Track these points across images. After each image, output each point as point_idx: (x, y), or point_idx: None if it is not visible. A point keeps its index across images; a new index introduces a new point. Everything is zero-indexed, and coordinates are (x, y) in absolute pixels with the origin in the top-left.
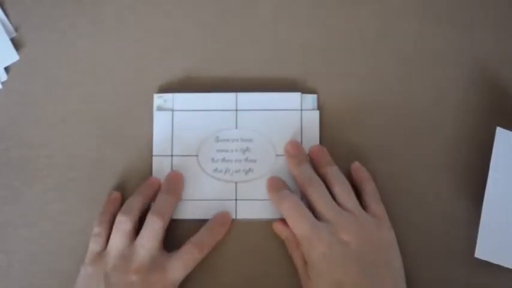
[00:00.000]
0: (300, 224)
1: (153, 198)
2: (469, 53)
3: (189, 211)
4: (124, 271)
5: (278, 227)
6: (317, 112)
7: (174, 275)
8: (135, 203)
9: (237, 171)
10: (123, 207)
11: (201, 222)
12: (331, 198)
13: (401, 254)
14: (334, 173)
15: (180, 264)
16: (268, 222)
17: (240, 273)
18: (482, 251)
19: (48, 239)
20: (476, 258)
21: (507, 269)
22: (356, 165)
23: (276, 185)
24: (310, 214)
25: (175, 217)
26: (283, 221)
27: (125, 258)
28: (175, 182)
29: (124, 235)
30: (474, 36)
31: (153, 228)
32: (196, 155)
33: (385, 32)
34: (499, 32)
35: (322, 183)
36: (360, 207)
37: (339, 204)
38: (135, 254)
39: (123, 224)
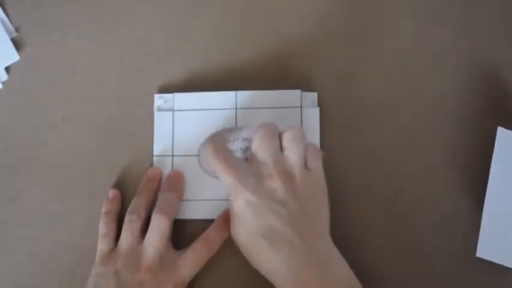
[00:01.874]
0: (227, 175)
1: (157, 191)
2: (469, 53)
3: (190, 211)
4: (134, 270)
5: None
6: (317, 109)
7: (184, 274)
8: (141, 201)
9: None
10: (130, 207)
11: (202, 222)
12: (274, 142)
13: (402, 254)
14: (292, 127)
15: (190, 263)
16: None
17: (240, 273)
18: (484, 251)
19: (48, 239)
20: (478, 258)
21: (508, 268)
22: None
23: (218, 144)
24: (238, 163)
25: (176, 217)
26: None
27: (135, 256)
28: (177, 180)
29: (134, 234)
30: (474, 36)
31: (160, 226)
32: (197, 155)
33: (385, 31)
34: (499, 32)
35: (275, 128)
36: (302, 162)
37: (282, 150)
38: (144, 253)
39: (133, 223)
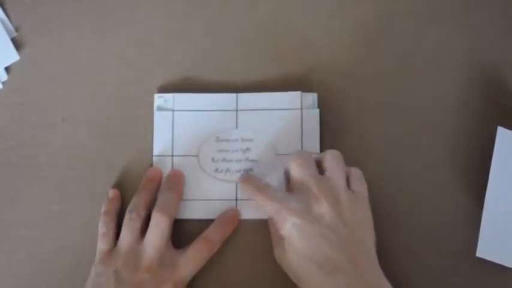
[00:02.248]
0: (267, 200)
1: (157, 190)
2: (469, 53)
3: (189, 211)
4: (134, 269)
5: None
6: (317, 110)
7: (184, 272)
8: (140, 200)
9: (238, 171)
10: (130, 206)
11: (202, 222)
12: (313, 166)
13: (402, 254)
14: (329, 151)
15: (190, 262)
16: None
17: (241, 272)
18: (484, 251)
19: (48, 239)
20: (478, 258)
21: (508, 268)
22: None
23: (247, 176)
24: (277, 191)
25: (176, 217)
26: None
27: (135, 256)
28: (176, 180)
29: (134, 233)
30: (474, 36)
31: (160, 226)
32: (197, 155)
33: (385, 31)
34: (499, 32)
35: (309, 154)
36: (345, 184)
37: (324, 173)
38: (144, 252)
39: (132, 222)
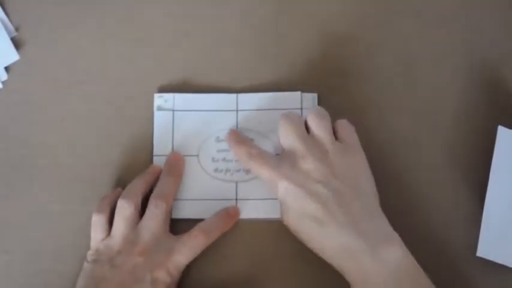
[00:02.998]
0: (263, 170)
1: (154, 183)
2: (469, 53)
3: (189, 211)
4: (129, 253)
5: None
6: None
7: (179, 259)
8: (135, 187)
9: (238, 171)
10: (123, 192)
11: None
12: (300, 126)
13: None
14: (314, 108)
15: (185, 249)
16: (269, 222)
17: (240, 272)
18: (484, 250)
19: (48, 239)
20: (478, 257)
21: (509, 268)
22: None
23: (237, 138)
24: (271, 157)
25: (175, 217)
26: None
27: (130, 241)
28: (176, 163)
29: (126, 220)
30: (474, 36)
31: (156, 210)
32: (197, 155)
33: (385, 31)
34: (499, 32)
35: (297, 114)
36: (331, 137)
37: (309, 132)
38: (139, 236)
39: (125, 209)
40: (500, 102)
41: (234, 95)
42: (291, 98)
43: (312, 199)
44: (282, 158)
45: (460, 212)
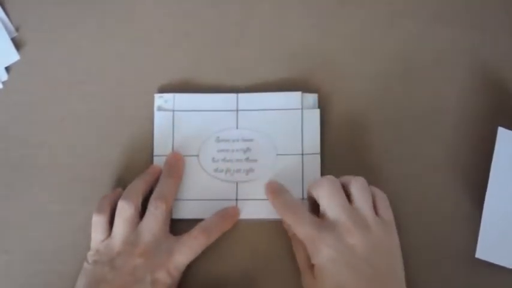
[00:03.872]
0: (299, 224)
1: (154, 183)
2: (469, 53)
3: (189, 211)
4: (129, 255)
5: (286, 225)
6: (317, 111)
7: (179, 259)
8: (135, 188)
9: (238, 171)
10: (123, 193)
11: None
12: (343, 196)
13: (402, 254)
14: (354, 177)
15: (185, 249)
16: (269, 222)
17: (241, 272)
18: (483, 252)
19: (48, 239)
20: (477, 259)
21: (508, 269)
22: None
23: (274, 187)
24: (308, 214)
25: (175, 217)
26: None
27: (130, 242)
28: (176, 164)
29: (126, 221)
30: (474, 36)
31: (156, 211)
32: (197, 155)
33: (385, 31)
34: (499, 31)
35: (337, 181)
36: (373, 210)
37: (352, 202)
38: (139, 237)
39: (125, 210)
40: (500, 102)
41: (234, 95)
42: (292, 98)
43: (355, 275)
44: (323, 222)
45: (459, 212)
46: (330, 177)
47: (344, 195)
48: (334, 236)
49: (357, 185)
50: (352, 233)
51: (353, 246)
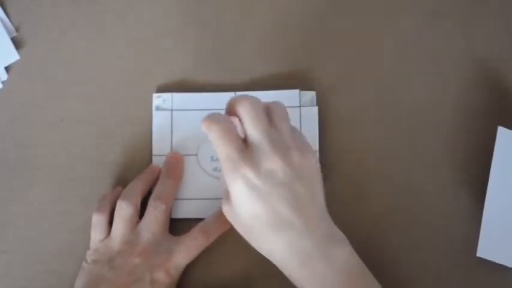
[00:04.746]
0: (225, 148)
1: (153, 183)
2: (469, 53)
3: (188, 210)
4: (128, 254)
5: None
6: (315, 108)
7: (178, 259)
8: (134, 188)
9: None
10: (122, 193)
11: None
12: (265, 119)
13: (402, 254)
14: (274, 102)
15: (185, 249)
16: None
17: (240, 272)
18: (484, 250)
19: (48, 239)
20: (478, 258)
21: (509, 268)
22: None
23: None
24: (239, 139)
25: (174, 216)
26: None
27: (129, 242)
28: (175, 164)
29: (126, 221)
30: (475, 35)
31: (155, 212)
32: (196, 154)
33: (384, 29)
34: (499, 30)
35: (256, 99)
36: (291, 129)
37: (272, 124)
38: (138, 237)
39: (124, 210)
40: (500, 102)
41: (232, 94)
42: (290, 96)
43: (277, 201)
44: (247, 149)
45: (460, 212)
46: (252, 97)
47: (265, 117)
48: (253, 162)
49: (277, 112)
50: (272, 158)
51: (272, 172)
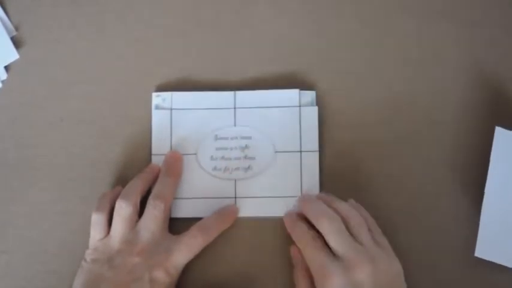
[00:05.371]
0: (315, 256)
1: (153, 182)
2: (469, 52)
3: (188, 209)
4: (128, 254)
5: (295, 253)
6: (315, 108)
7: (177, 258)
8: (134, 187)
9: (236, 168)
10: (122, 193)
11: None
12: (345, 231)
13: (401, 254)
14: (345, 207)
15: (184, 249)
16: (268, 220)
17: (240, 271)
18: (482, 250)
19: (48, 239)
20: (476, 257)
21: (507, 268)
22: (354, 203)
23: (292, 216)
24: (326, 247)
25: (174, 215)
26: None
27: (128, 242)
28: (174, 163)
29: (125, 220)
30: (474, 35)
31: (154, 211)
32: (195, 154)
33: (384, 29)
34: (499, 31)
35: (336, 215)
36: (372, 240)
37: (352, 235)
38: (138, 236)
39: (123, 209)
40: (498, 101)
41: (231, 93)
42: (290, 96)
43: None
44: (335, 257)
45: (458, 212)
46: (329, 212)
47: (346, 231)
48: (343, 270)
49: (355, 221)
50: (360, 268)
51: (361, 281)
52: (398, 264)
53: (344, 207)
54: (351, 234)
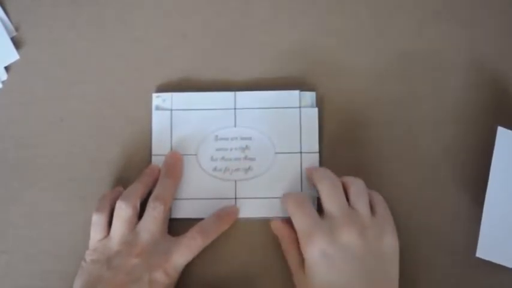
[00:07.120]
0: (303, 219)
1: (153, 184)
2: (468, 53)
3: (188, 210)
4: (127, 255)
5: (276, 225)
6: (315, 109)
7: (177, 260)
8: (134, 190)
9: (237, 169)
10: (122, 194)
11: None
12: (342, 196)
13: (401, 254)
14: (350, 178)
15: (183, 250)
16: (268, 221)
17: (239, 271)
18: (484, 251)
19: (48, 239)
20: (477, 258)
21: (508, 268)
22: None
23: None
24: (315, 212)
25: (174, 216)
26: (282, 219)
27: (128, 243)
28: (175, 164)
29: (125, 222)
30: (474, 35)
31: (154, 212)
32: (195, 154)
33: (384, 29)
34: (499, 30)
35: (338, 181)
36: (370, 212)
37: (350, 203)
38: (137, 237)
39: (123, 210)
40: (500, 102)
41: (232, 94)
42: (289, 97)
43: (346, 274)
44: (323, 220)
45: (459, 212)
46: (331, 175)
47: (343, 195)
48: (329, 232)
49: (355, 187)
50: (348, 231)
51: (348, 245)
52: (394, 239)
53: (349, 177)
54: (349, 200)
